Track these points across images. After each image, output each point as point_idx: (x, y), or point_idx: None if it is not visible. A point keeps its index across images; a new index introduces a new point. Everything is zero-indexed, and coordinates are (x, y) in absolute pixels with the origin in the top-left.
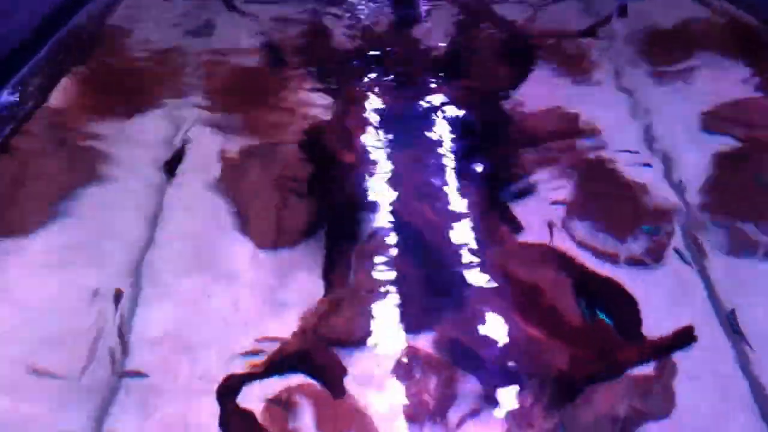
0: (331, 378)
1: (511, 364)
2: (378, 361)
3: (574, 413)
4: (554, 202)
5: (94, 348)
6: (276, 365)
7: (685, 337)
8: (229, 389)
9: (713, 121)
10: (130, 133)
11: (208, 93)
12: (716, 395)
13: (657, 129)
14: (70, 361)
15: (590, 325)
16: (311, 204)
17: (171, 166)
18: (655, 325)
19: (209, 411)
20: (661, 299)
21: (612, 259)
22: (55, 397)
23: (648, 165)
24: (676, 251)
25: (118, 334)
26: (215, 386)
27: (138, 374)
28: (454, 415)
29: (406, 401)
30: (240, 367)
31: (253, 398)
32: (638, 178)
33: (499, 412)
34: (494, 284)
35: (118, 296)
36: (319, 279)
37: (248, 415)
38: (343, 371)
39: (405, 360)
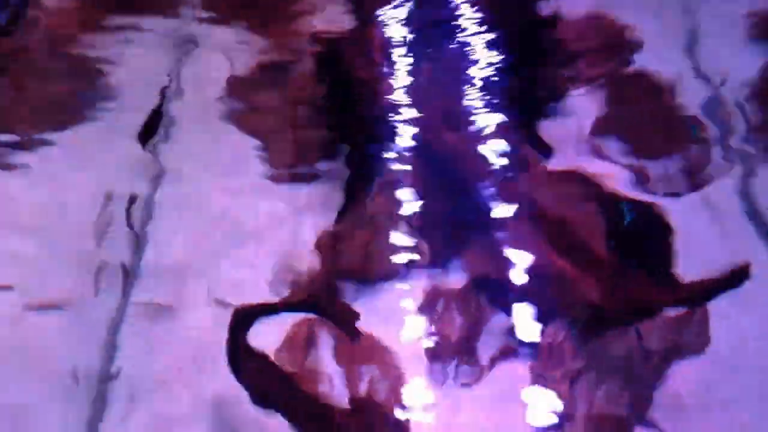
0: (345, 322)
1: (539, 299)
2: (400, 295)
3: (604, 349)
4: (588, 123)
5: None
6: (290, 305)
7: (736, 278)
8: (241, 325)
9: (763, 30)
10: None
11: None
12: (754, 331)
13: (702, 39)
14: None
15: (623, 259)
16: (328, 126)
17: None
18: (693, 258)
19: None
20: (700, 228)
21: (648, 183)
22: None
23: (689, 78)
24: (719, 168)
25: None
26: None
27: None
28: (482, 355)
29: (430, 339)
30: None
31: (267, 334)
32: (680, 95)
33: (528, 350)
34: (522, 214)
35: (132, 200)
36: (337, 208)
37: (260, 353)
38: (356, 315)
39: (428, 295)
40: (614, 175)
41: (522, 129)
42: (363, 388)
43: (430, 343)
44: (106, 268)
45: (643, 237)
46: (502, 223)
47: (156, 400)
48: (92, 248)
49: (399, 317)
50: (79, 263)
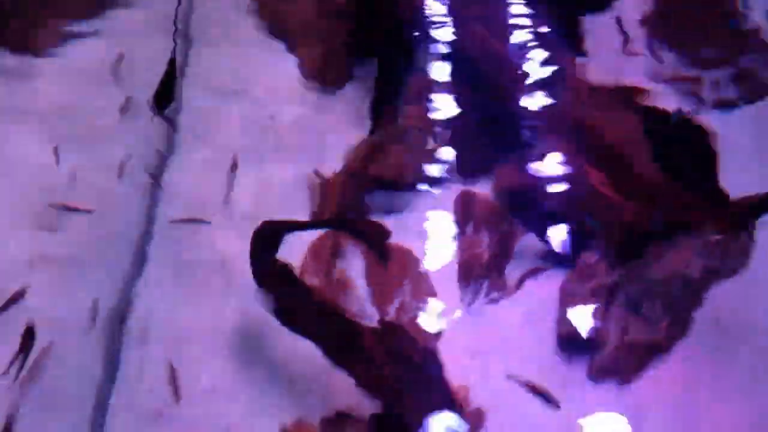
0: (375, 242)
1: (574, 215)
2: (429, 209)
3: (640, 271)
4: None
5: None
6: (319, 223)
7: None
8: (267, 240)
9: None
10: None
11: None
12: None
13: None
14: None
15: (665, 175)
16: (359, 33)
17: None
18: (738, 176)
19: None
20: (747, 144)
21: (696, 93)
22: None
23: None
24: None
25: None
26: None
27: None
28: (512, 273)
29: (460, 255)
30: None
31: (293, 250)
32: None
33: (561, 270)
34: (560, 127)
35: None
36: (367, 115)
37: (285, 266)
38: (386, 234)
39: (459, 210)
40: (659, 85)
41: (564, 34)
42: (391, 307)
43: (459, 260)
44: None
45: (687, 152)
46: (538, 136)
47: (180, 315)
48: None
49: (428, 233)
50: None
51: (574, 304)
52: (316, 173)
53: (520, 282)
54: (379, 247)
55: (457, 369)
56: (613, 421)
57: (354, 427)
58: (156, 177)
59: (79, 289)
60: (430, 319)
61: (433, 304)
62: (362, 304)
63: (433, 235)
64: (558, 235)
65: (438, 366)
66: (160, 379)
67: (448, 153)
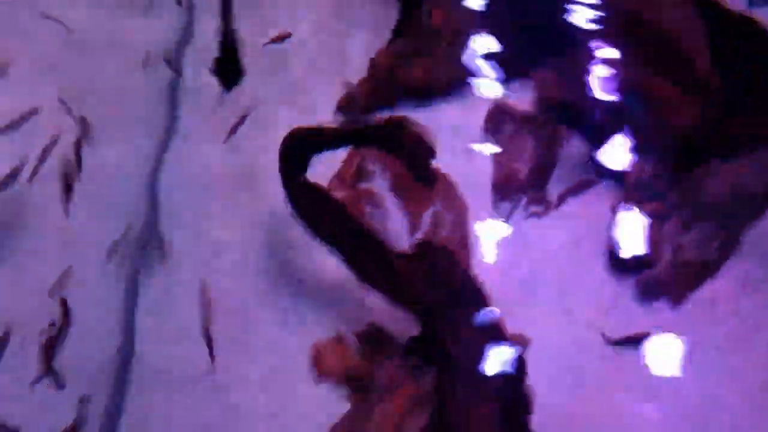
0: (417, 160)
1: (626, 122)
2: (463, 117)
3: (696, 186)
4: None
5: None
6: (354, 136)
7: None
8: (297, 151)
9: None
10: None
11: None
12: None
13: None
14: None
15: (728, 82)
16: None
17: None
18: None
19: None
20: None
21: None
22: None
23: None
24: None
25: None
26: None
27: None
28: (555, 187)
29: (496, 168)
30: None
31: (323, 163)
32: None
33: (610, 184)
34: (611, 22)
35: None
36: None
37: (314, 186)
38: (430, 152)
39: (495, 116)
40: None
41: None
42: (424, 225)
43: (495, 173)
44: None
45: (753, 58)
46: (586, 32)
47: (207, 222)
48: None
49: (462, 143)
50: None
51: (625, 221)
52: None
53: (564, 197)
54: (422, 168)
55: (497, 292)
56: (665, 342)
57: (391, 344)
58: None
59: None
60: (465, 235)
61: (469, 220)
62: (391, 221)
63: (467, 143)
64: (608, 147)
65: (478, 289)
66: (189, 300)
67: (483, 44)
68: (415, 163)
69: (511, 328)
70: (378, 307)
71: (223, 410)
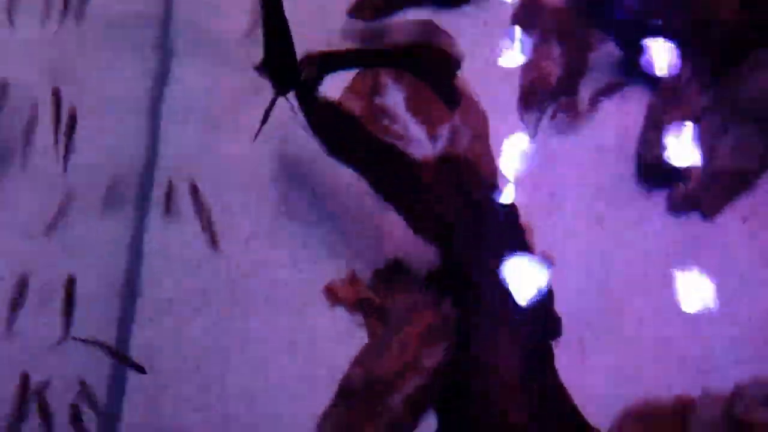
0: (442, 80)
1: (662, 20)
2: (487, 17)
3: (737, 83)
4: None
5: None
6: (374, 55)
7: None
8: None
9: None
10: None
11: None
12: None
13: None
14: None
15: None
16: None
17: None
18: None
19: None
20: None
21: None
22: None
23: None
24: None
25: None
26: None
27: None
28: (585, 92)
29: (523, 74)
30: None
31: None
32: None
33: (639, 89)
34: None
35: None
36: None
37: (330, 102)
38: (456, 64)
39: (521, 14)
40: None
41: None
42: (444, 138)
43: (522, 79)
44: None
45: None
46: None
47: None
48: None
49: (486, 46)
50: None
51: (659, 127)
52: None
53: (595, 99)
54: (447, 88)
55: (524, 204)
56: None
57: (408, 279)
58: None
59: None
60: (488, 149)
61: (490, 135)
62: (410, 134)
63: (493, 45)
64: (645, 47)
65: (502, 202)
66: (194, 225)
67: None
68: (440, 84)
69: (538, 243)
70: (398, 239)
71: (240, 334)
